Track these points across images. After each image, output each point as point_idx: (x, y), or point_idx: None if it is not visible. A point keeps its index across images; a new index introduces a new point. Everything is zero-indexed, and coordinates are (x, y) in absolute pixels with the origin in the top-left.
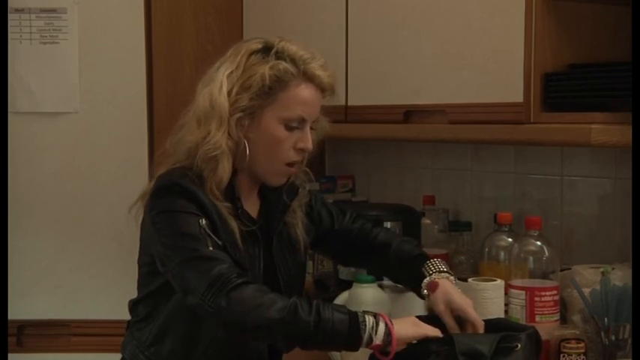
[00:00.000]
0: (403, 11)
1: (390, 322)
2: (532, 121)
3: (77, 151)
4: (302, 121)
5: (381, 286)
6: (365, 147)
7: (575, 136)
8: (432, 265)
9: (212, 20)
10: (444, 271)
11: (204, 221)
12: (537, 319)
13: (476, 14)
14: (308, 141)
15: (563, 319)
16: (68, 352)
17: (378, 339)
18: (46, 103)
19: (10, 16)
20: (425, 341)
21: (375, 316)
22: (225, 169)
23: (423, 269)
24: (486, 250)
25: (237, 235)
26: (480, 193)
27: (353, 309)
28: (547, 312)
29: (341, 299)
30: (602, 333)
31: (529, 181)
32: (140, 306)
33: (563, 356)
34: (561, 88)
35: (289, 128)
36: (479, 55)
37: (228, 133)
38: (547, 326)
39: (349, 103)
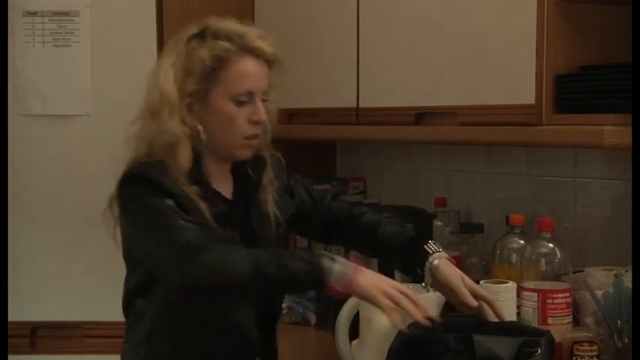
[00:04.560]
0: (414, 13)
1: (354, 267)
2: (544, 122)
3: (89, 154)
4: (250, 94)
5: None
6: (376, 149)
7: (587, 137)
8: (430, 247)
9: None
10: (440, 251)
11: (171, 202)
12: (549, 321)
13: (487, 16)
14: (260, 112)
15: (576, 322)
16: (81, 354)
17: (336, 281)
18: (58, 106)
19: (22, 19)
20: (444, 337)
21: (335, 259)
22: (184, 155)
23: (424, 252)
24: (498, 252)
25: (208, 216)
26: (491, 195)
27: (364, 311)
28: (559, 314)
29: (352, 302)
30: (615, 335)
31: (541, 183)
32: (134, 304)
33: (576, 359)
34: (573, 90)
35: (239, 103)
36: (490, 57)
37: (182, 120)
38: (559, 329)
39: (360, 105)
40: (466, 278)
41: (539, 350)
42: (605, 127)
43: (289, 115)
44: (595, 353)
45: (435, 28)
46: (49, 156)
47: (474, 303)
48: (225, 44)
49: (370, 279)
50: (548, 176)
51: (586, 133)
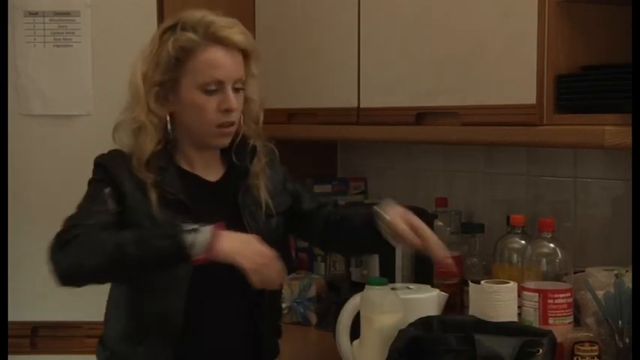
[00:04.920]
0: (415, 13)
1: (215, 234)
2: (545, 123)
3: (90, 154)
4: (219, 83)
5: (393, 289)
6: (377, 149)
7: (588, 137)
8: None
9: None
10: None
11: (108, 189)
12: (550, 321)
13: (488, 16)
14: (230, 101)
15: (577, 322)
16: (82, 354)
17: (199, 252)
18: (60, 106)
19: (23, 19)
20: (445, 337)
21: (198, 230)
22: (146, 142)
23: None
24: (499, 252)
25: (155, 206)
26: (492, 195)
27: (365, 311)
28: (560, 314)
29: (353, 302)
30: (616, 335)
31: (542, 183)
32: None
33: (577, 359)
34: (574, 90)
35: (208, 92)
36: (491, 57)
37: (148, 109)
38: (560, 329)
39: (361, 105)
40: (407, 214)
41: (540, 350)
42: (606, 127)
43: (289, 115)
44: (596, 353)
45: (435, 28)
46: (49, 156)
47: (417, 241)
48: (189, 35)
49: (232, 243)
50: (549, 176)
51: (587, 133)
